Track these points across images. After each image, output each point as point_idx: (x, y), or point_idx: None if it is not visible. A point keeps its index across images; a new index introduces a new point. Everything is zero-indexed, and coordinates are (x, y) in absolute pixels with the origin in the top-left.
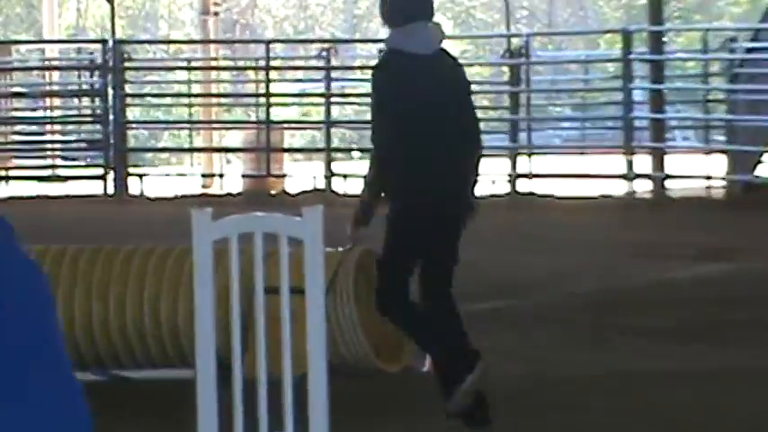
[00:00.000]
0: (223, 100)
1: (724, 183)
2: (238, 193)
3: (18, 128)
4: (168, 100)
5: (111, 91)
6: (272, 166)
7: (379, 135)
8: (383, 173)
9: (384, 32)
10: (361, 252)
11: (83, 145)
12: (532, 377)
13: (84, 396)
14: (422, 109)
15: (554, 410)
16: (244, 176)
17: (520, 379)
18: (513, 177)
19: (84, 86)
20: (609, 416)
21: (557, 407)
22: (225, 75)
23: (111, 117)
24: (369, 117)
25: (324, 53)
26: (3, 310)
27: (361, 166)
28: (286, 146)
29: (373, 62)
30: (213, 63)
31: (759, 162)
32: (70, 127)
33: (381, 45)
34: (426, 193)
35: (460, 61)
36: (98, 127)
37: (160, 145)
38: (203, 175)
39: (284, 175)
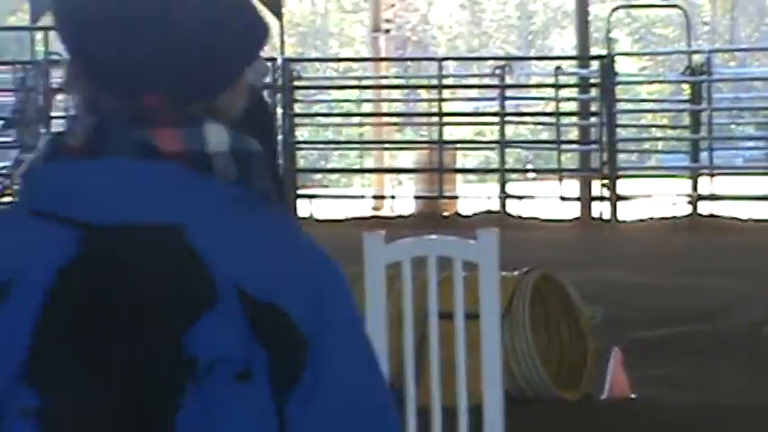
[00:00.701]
0: (394, 119)
1: None
2: (410, 215)
3: None
4: (338, 119)
5: (280, 110)
6: (444, 187)
7: None
8: None
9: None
10: (537, 276)
11: None
12: (703, 406)
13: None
14: None
15: None
16: (415, 198)
17: (690, 408)
18: (695, 199)
19: None
20: None
21: None
22: (396, 93)
23: (279, 137)
24: (545, 136)
25: (498, 71)
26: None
27: (537, 187)
28: (459, 166)
29: (550, 80)
30: (384, 81)
31: None
32: None
33: (557, 62)
34: None
35: (640, 78)
36: None
37: (330, 166)
38: (374, 197)
39: (457, 197)
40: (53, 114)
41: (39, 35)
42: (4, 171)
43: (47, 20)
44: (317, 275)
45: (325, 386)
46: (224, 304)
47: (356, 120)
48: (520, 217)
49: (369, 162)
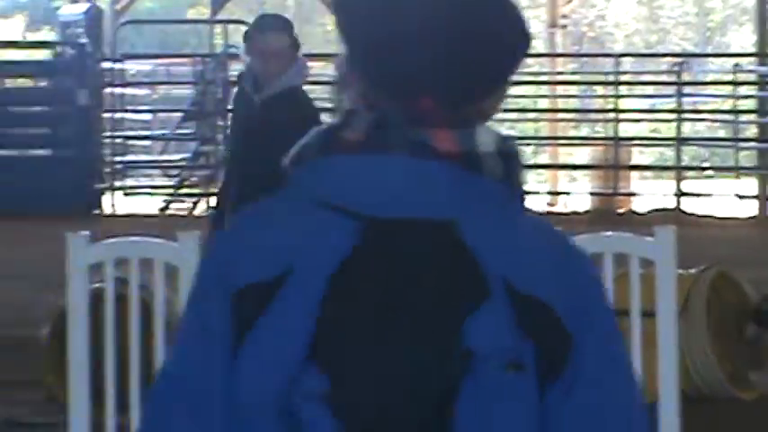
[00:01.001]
0: (570, 115)
1: None
2: (585, 212)
3: None
4: (513, 115)
5: None
6: (619, 183)
7: None
8: None
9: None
10: (714, 274)
11: None
12: None
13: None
14: None
15: None
16: (590, 194)
17: None
18: None
19: None
20: None
21: None
22: (572, 89)
23: None
24: (722, 134)
25: (675, 67)
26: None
27: (714, 185)
28: (634, 163)
29: (727, 77)
30: (560, 77)
31: None
32: None
33: (736, 59)
34: None
35: None
36: None
37: None
38: (548, 193)
39: (632, 194)
40: (231, 107)
41: (218, 28)
42: (183, 163)
43: (226, 13)
44: (579, 273)
45: (584, 384)
46: (495, 298)
47: (532, 115)
48: (696, 215)
49: (543, 158)
